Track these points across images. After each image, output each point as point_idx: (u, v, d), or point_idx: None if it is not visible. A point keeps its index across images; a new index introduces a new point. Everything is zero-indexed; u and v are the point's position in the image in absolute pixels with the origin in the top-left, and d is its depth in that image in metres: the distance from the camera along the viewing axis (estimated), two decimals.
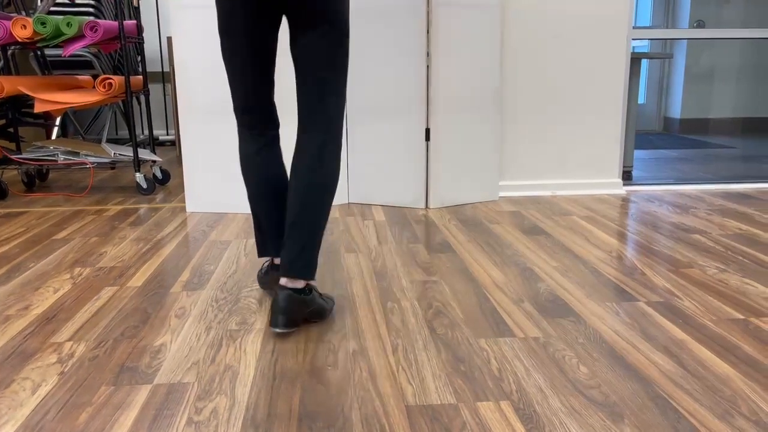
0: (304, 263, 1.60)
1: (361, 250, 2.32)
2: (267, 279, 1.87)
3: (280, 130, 1.80)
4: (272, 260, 1.83)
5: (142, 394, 1.32)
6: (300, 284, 1.60)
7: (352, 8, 2.89)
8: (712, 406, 1.25)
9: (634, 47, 5.73)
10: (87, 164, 3.31)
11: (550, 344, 1.54)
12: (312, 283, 1.65)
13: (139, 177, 3.32)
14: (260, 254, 1.81)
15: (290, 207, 1.61)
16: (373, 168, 3.02)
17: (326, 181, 1.61)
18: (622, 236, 2.47)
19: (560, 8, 3.10)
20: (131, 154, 3.35)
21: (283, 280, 1.60)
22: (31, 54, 3.94)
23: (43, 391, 1.34)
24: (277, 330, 1.57)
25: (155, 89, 5.45)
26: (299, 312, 1.60)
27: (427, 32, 2.80)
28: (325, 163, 1.61)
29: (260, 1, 1.55)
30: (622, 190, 3.31)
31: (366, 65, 2.93)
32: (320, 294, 1.69)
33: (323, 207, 1.62)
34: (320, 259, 2.21)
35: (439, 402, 1.28)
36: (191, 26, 2.75)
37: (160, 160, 3.56)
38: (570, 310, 1.74)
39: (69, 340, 1.59)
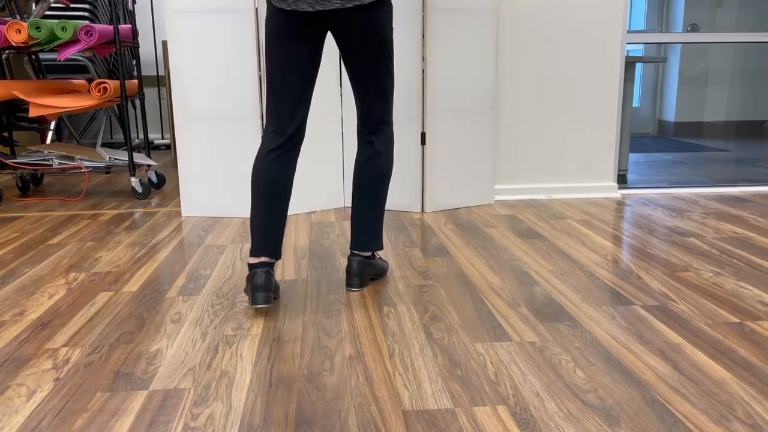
0: (371, 238, 1.95)
1: None
2: (246, 283, 1.81)
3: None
4: (260, 263, 1.78)
5: (138, 400, 1.32)
6: (367, 253, 1.97)
7: None
8: (708, 410, 1.26)
9: (628, 51, 5.75)
10: (82, 168, 3.30)
11: (547, 348, 1.54)
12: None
13: (134, 181, 3.31)
14: (253, 253, 1.78)
15: (356, 192, 1.92)
16: None
17: (386, 171, 1.92)
18: (617, 240, 2.48)
19: (555, 13, 3.11)
20: (126, 159, 3.34)
21: (355, 251, 1.95)
22: (26, 58, 3.93)
23: (38, 398, 1.33)
24: (354, 290, 1.94)
25: (150, 93, 5.44)
26: (368, 273, 1.97)
27: (423, 37, 2.81)
28: (382, 153, 1.91)
29: (305, 24, 1.71)
30: (617, 193, 3.32)
31: None
32: (380, 257, 2.07)
33: (384, 192, 1.95)
34: (316, 263, 2.21)
35: (435, 407, 1.28)
36: (186, 30, 2.75)
37: (155, 164, 3.55)
38: (566, 314, 1.75)
39: (64, 345, 1.58)
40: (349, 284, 1.95)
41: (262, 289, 1.74)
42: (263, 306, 1.74)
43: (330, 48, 2.92)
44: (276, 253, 1.81)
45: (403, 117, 2.90)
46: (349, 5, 1.67)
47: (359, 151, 1.92)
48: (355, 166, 1.93)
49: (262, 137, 1.82)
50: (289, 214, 2.93)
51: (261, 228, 1.79)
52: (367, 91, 1.84)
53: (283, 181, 1.79)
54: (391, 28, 1.80)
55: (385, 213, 2.95)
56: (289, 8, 1.67)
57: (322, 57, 1.82)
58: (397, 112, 2.90)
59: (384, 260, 2.10)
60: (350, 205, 3.07)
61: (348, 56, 1.80)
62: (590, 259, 2.24)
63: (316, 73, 1.80)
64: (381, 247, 1.99)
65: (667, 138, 5.89)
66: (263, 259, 1.78)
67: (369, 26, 1.73)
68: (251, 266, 1.78)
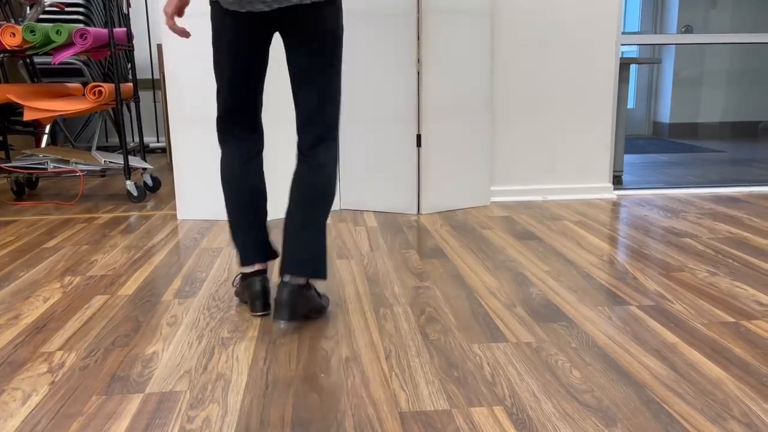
0: (306, 260, 1.67)
1: (354, 256, 2.32)
2: (243, 290, 1.83)
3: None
4: (255, 271, 1.78)
5: (134, 403, 1.31)
6: (301, 281, 1.67)
7: (344, 13, 2.89)
8: (704, 410, 1.26)
9: (622, 52, 5.77)
10: (77, 172, 3.30)
11: (543, 349, 1.54)
12: (311, 281, 1.73)
13: (129, 184, 3.30)
14: (245, 263, 1.78)
15: (293, 209, 1.69)
16: (364, 174, 3.02)
17: (329, 185, 1.69)
18: (613, 240, 2.48)
19: (550, 14, 3.12)
20: (121, 162, 3.34)
21: (286, 277, 1.66)
22: (21, 62, 3.92)
23: (33, 402, 1.33)
24: (282, 322, 1.66)
25: (145, 96, 5.43)
26: (300, 306, 1.67)
27: (418, 39, 2.81)
28: (326, 165, 1.69)
29: (256, 24, 1.62)
30: (613, 194, 3.32)
31: (357, 72, 2.93)
32: (318, 293, 1.77)
33: (327, 210, 1.70)
34: None
35: (432, 408, 1.28)
36: None
37: (151, 167, 3.54)
38: (562, 315, 1.75)
39: (59, 349, 1.57)
40: (277, 315, 1.65)
41: (261, 297, 1.76)
42: (263, 313, 1.77)
43: None
44: (267, 254, 1.80)
45: (399, 119, 2.90)
46: (308, 1, 1.56)
47: (299, 165, 1.71)
48: (294, 180, 1.71)
49: (223, 148, 1.76)
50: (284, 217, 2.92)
51: (246, 237, 1.77)
52: (316, 94, 1.67)
53: (256, 184, 1.75)
54: (343, 28, 1.70)
55: (382, 215, 2.95)
56: (243, 10, 1.56)
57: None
58: (392, 114, 2.91)
59: (325, 297, 1.81)
60: (345, 208, 3.08)
61: (298, 56, 1.65)
62: (586, 259, 2.24)
63: (265, 70, 1.71)
64: (323, 275, 1.69)
65: (662, 139, 5.91)
66: (257, 266, 1.78)
67: (323, 23, 1.62)
68: (246, 275, 1.79)
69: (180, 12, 1.68)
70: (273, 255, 1.82)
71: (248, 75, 1.68)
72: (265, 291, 1.77)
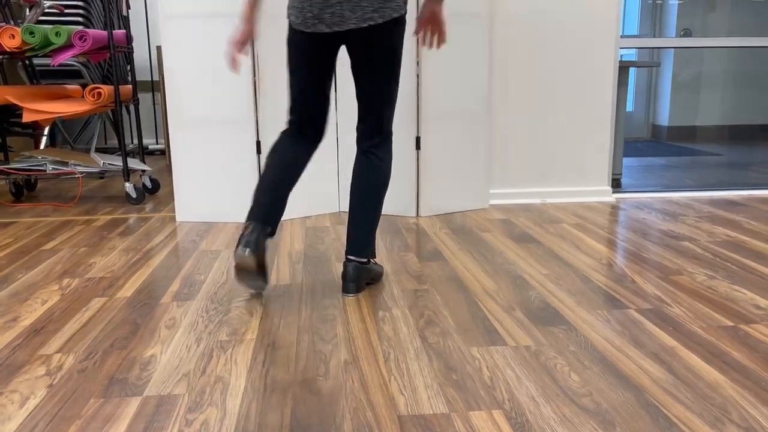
0: (367, 245, 1.96)
1: None
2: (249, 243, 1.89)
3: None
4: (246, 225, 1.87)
5: (132, 406, 1.31)
6: (363, 258, 1.97)
7: None
8: (702, 414, 1.26)
9: (621, 56, 5.77)
10: (76, 174, 3.29)
11: (542, 352, 1.54)
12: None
13: (128, 186, 3.30)
14: (254, 218, 1.86)
15: (354, 201, 1.95)
16: None
17: (385, 181, 1.95)
18: (611, 244, 2.49)
19: (549, 17, 3.12)
20: (120, 164, 3.33)
21: (351, 257, 1.95)
22: (20, 63, 3.92)
23: (31, 404, 1.32)
24: (349, 295, 1.95)
25: (145, 98, 5.43)
26: (363, 278, 1.98)
27: (417, 41, 2.81)
28: (385, 166, 1.95)
29: (322, 43, 1.84)
30: (612, 197, 3.32)
31: None
32: (375, 262, 2.07)
33: (382, 200, 1.97)
34: (311, 267, 2.21)
35: (431, 412, 1.28)
36: (180, 35, 2.74)
37: (150, 169, 3.54)
38: (561, 318, 1.75)
39: (58, 352, 1.57)
40: (345, 289, 1.96)
41: (243, 243, 1.83)
42: (247, 254, 1.82)
43: None
44: (266, 222, 1.88)
45: (398, 121, 2.90)
46: (364, 25, 1.77)
47: (359, 159, 1.95)
48: (354, 174, 1.95)
49: (284, 133, 1.95)
50: (283, 218, 2.92)
51: (260, 196, 1.89)
52: (374, 102, 1.90)
53: (298, 162, 1.92)
54: (402, 42, 1.88)
55: (380, 217, 2.95)
56: (308, 30, 1.79)
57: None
58: None
59: (379, 265, 2.10)
60: (345, 210, 3.08)
61: (359, 69, 1.88)
62: (585, 262, 2.25)
63: (332, 78, 1.93)
64: (374, 255, 2.04)
65: (661, 142, 5.92)
66: (252, 226, 1.86)
67: (382, 42, 1.82)
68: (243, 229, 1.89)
69: (245, 42, 1.89)
70: (270, 231, 1.89)
71: (317, 87, 1.89)
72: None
